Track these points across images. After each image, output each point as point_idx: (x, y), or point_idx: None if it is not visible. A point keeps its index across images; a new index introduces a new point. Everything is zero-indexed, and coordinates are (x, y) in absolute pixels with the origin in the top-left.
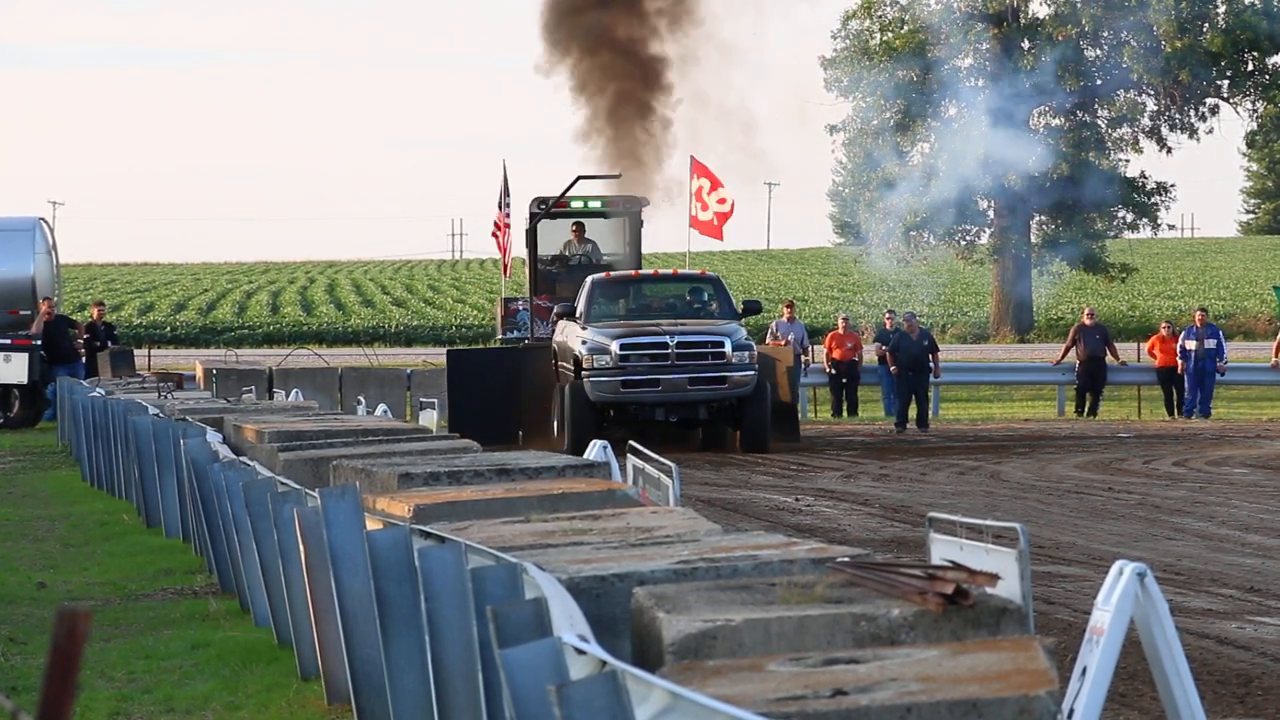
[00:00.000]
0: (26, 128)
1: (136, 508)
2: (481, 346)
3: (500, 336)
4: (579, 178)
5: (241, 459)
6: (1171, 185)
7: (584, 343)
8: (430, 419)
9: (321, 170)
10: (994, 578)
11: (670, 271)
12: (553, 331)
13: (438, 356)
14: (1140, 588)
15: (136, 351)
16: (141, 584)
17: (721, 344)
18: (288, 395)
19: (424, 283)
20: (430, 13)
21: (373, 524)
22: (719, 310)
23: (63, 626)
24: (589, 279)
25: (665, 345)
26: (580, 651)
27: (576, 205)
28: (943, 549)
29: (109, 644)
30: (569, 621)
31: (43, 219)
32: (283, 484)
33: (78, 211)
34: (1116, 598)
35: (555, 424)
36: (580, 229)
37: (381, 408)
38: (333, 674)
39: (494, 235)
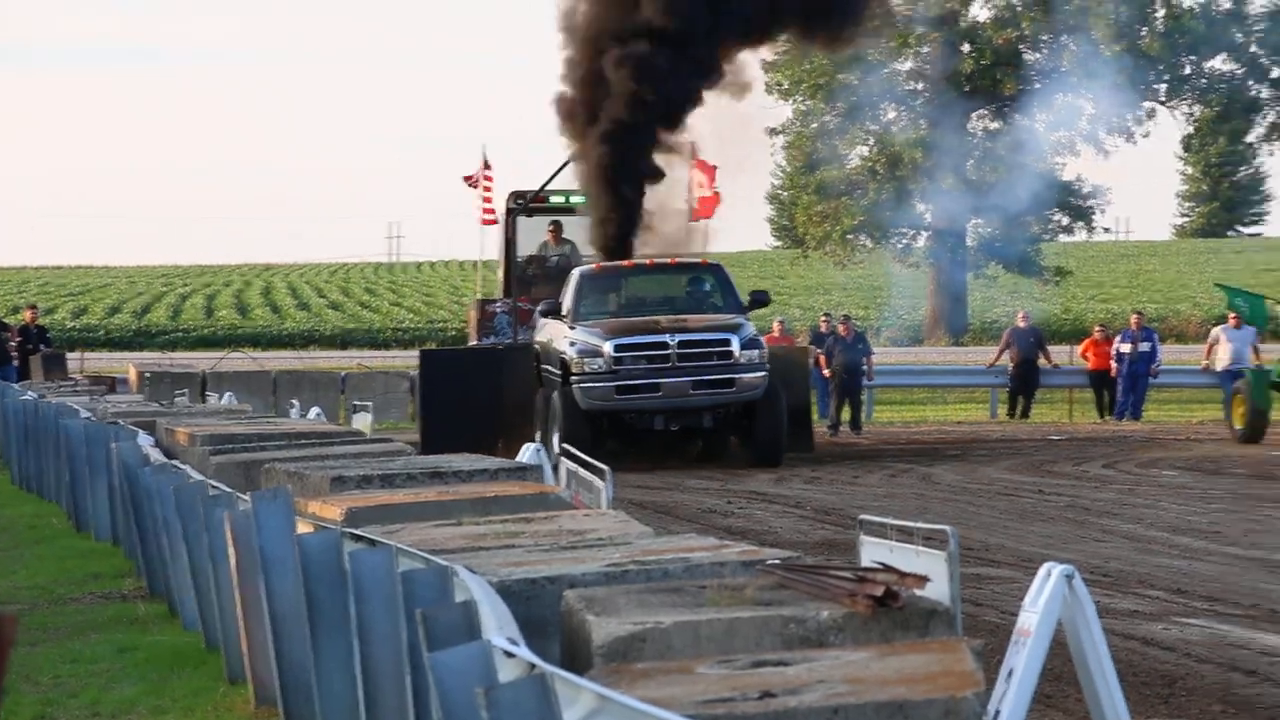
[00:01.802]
0: None
1: (67, 511)
2: (456, 347)
3: (476, 342)
4: (569, 160)
5: (173, 462)
6: (1108, 189)
7: (572, 344)
8: (364, 422)
9: (257, 173)
10: (923, 580)
11: (668, 260)
12: (533, 332)
13: (372, 359)
14: (1068, 589)
15: (70, 355)
16: (70, 588)
17: (728, 342)
18: (221, 398)
19: (360, 285)
20: (364, 12)
21: (304, 527)
22: (722, 303)
23: None
24: (576, 271)
25: (665, 345)
26: (509, 654)
27: (556, 201)
28: (873, 551)
29: (36, 648)
30: (498, 624)
31: None
32: (214, 487)
33: (9, 214)
34: (1044, 599)
35: (539, 434)
36: (558, 228)
37: (315, 411)
38: (261, 677)
39: (484, 219)
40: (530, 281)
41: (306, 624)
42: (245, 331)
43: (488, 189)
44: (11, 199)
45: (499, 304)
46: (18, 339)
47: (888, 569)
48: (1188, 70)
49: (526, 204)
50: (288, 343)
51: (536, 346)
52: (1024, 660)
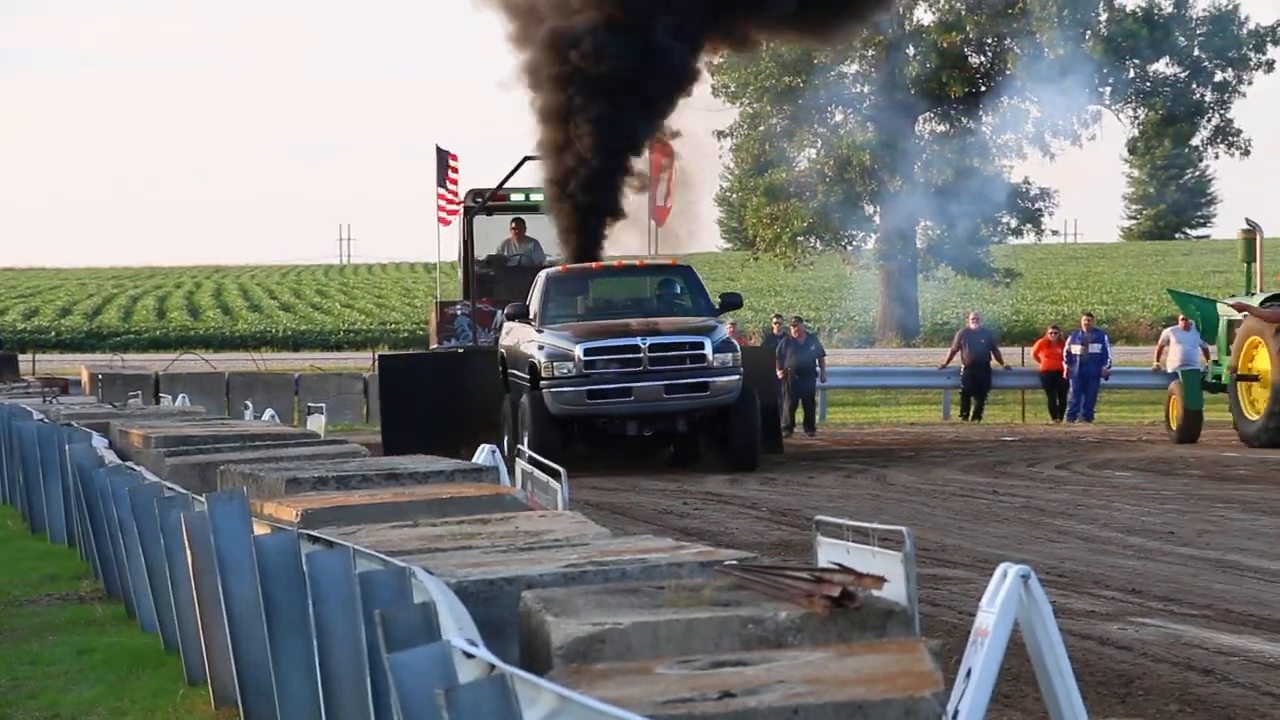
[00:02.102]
0: None
1: (21, 513)
2: (414, 352)
3: (436, 346)
4: (526, 158)
5: (128, 464)
6: (1055, 191)
7: (541, 348)
8: (318, 424)
9: (208, 175)
10: (880, 580)
11: (636, 262)
12: (497, 336)
13: (325, 361)
14: (1024, 590)
15: (21, 356)
16: (26, 590)
17: (701, 345)
18: (174, 400)
19: (311, 288)
20: (314, 16)
21: (260, 529)
22: (692, 305)
23: None
24: (542, 273)
25: (636, 348)
26: (469, 655)
27: (517, 199)
28: (829, 552)
29: None
30: (457, 625)
31: None
32: (169, 489)
33: None
34: (1001, 600)
35: (506, 439)
36: (520, 226)
37: (269, 412)
38: (220, 678)
39: (441, 218)
40: (491, 282)
41: (264, 625)
42: (197, 333)
43: (453, 184)
44: None
45: (459, 306)
46: None
47: (844, 570)
48: (1132, 74)
49: (485, 203)
50: (240, 344)
51: (502, 350)
52: (982, 660)
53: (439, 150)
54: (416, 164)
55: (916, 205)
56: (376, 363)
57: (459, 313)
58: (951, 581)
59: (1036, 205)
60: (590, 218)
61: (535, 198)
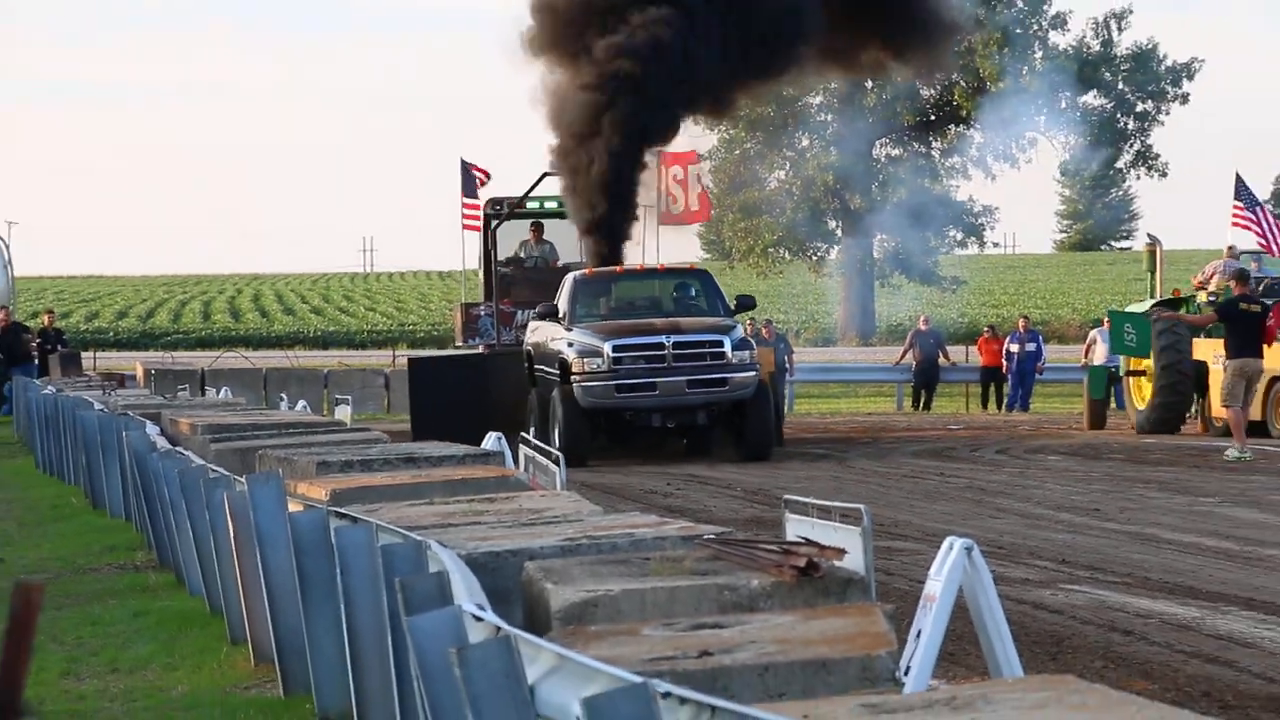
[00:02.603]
0: None
1: (84, 492)
2: (441, 353)
3: (461, 344)
4: (545, 174)
5: (177, 449)
6: (995, 208)
7: (571, 345)
8: (344, 413)
9: (247, 192)
10: (841, 552)
11: (657, 266)
12: (518, 335)
13: (350, 358)
14: (967, 560)
15: (83, 354)
16: (89, 559)
17: (721, 343)
18: (218, 393)
19: (339, 293)
20: (333, 53)
21: (294, 506)
22: (708, 307)
23: (19, 598)
24: (569, 276)
25: (661, 346)
26: (478, 619)
27: (533, 206)
28: (796, 527)
29: (60, 612)
30: (468, 592)
31: None
32: (214, 471)
33: (31, 230)
34: (947, 569)
35: (532, 432)
36: (539, 229)
37: (301, 403)
38: (258, 638)
39: (468, 225)
40: (510, 282)
41: (298, 592)
42: (238, 333)
43: (478, 195)
44: (35, 215)
45: (482, 307)
46: (38, 340)
47: (809, 543)
48: (1064, 105)
49: (510, 212)
50: (276, 343)
51: (528, 348)
52: (930, 622)
53: (463, 164)
54: (430, 181)
55: (874, 220)
56: (407, 363)
57: (482, 313)
58: (903, 553)
59: (979, 221)
60: (612, 224)
61: (549, 205)
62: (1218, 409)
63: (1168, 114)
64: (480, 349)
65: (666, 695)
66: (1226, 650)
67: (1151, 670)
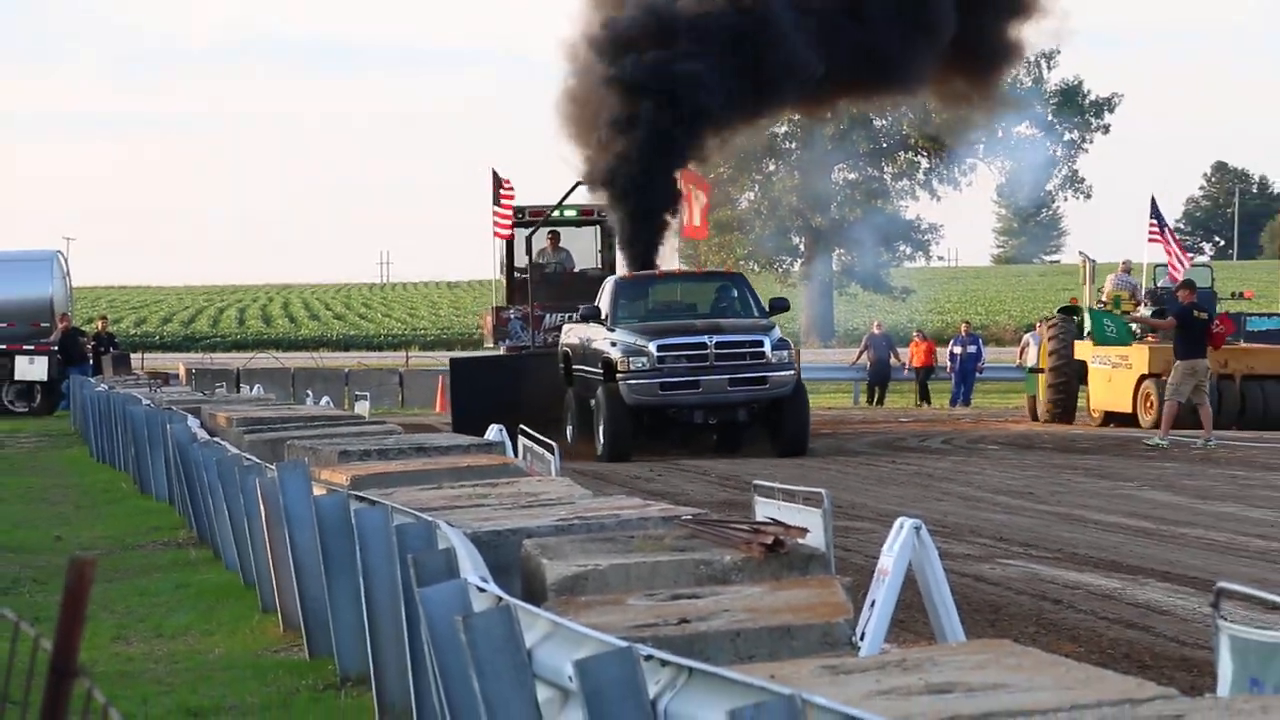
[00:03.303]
0: (48, 178)
1: (133, 478)
2: (480, 354)
3: (491, 345)
4: (578, 183)
5: (215, 440)
6: (940, 225)
7: (614, 344)
8: (363, 408)
9: (277, 211)
10: (804, 531)
11: (695, 269)
12: (546, 337)
13: (369, 359)
14: (916, 538)
15: (132, 355)
16: (137, 537)
17: (761, 343)
18: (251, 389)
19: (359, 301)
20: (347, 88)
21: (318, 490)
22: (743, 308)
23: (74, 571)
24: (610, 279)
25: (704, 346)
26: (481, 590)
27: (552, 215)
28: (764, 509)
29: (111, 584)
30: (473, 566)
31: (59, 251)
32: (247, 459)
33: (87, 245)
34: (898, 546)
35: (569, 430)
36: (556, 237)
37: (325, 399)
38: (287, 608)
39: (497, 233)
40: (530, 287)
41: (321, 566)
42: (269, 337)
43: (507, 203)
44: (90, 233)
45: (512, 310)
46: (92, 343)
47: (776, 523)
48: (1000, 134)
49: (544, 220)
50: (302, 346)
51: (565, 349)
52: (883, 593)
53: (495, 174)
54: (443, 199)
55: (833, 237)
56: (449, 363)
57: (512, 316)
58: (859, 532)
59: (926, 237)
60: (650, 230)
61: (568, 214)
62: (1095, 403)
63: (1091, 142)
64: (503, 351)
65: (649, 658)
66: (1145, 617)
67: (1078, 635)
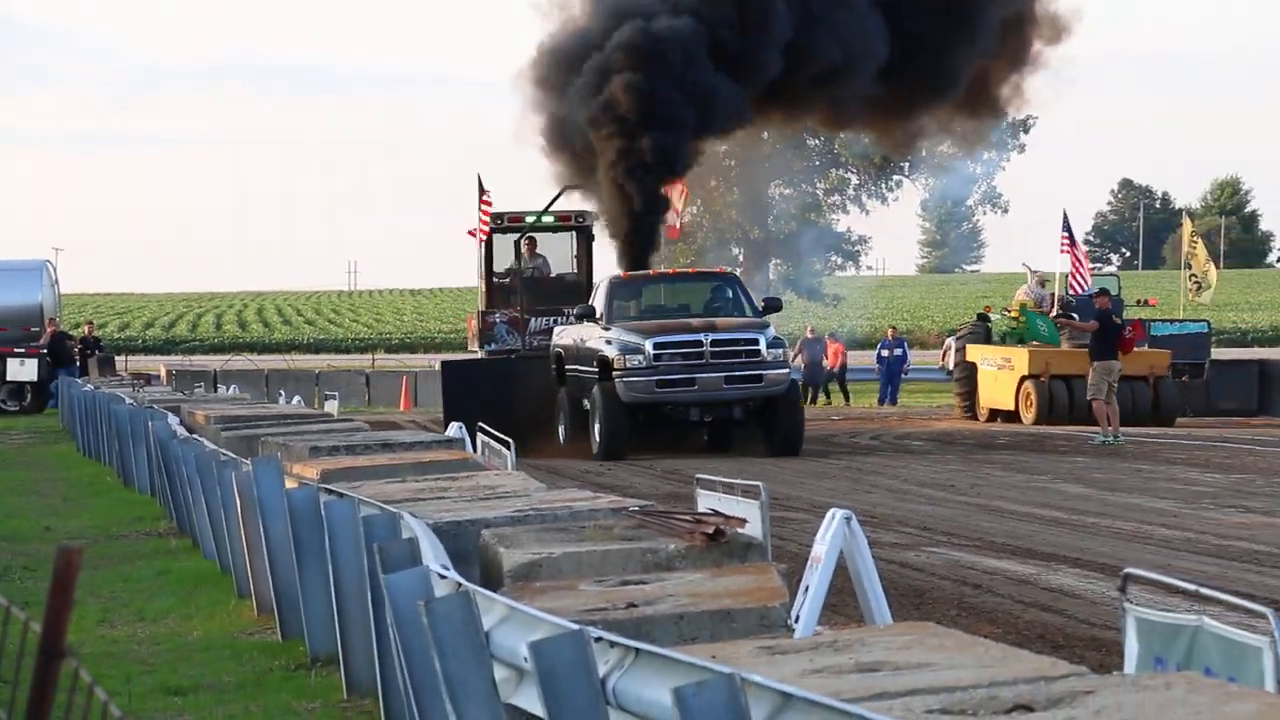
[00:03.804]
0: (36, 193)
1: (116, 472)
2: (472, 356)
3: (476, 349)
4: (566, 187)
5: (194, 436)
6: (869, 237)
7: (610, 343)
8: (333, 407)
9: (252, 223)
10: (743, 521)
11: (689, 269)
12: (529, 342)
13: (337, 361)
14: (847, 528)
15: (116, 358)
16: (120, 527)
17: (756, 342)
18: (228, 389)
19: (328, 307)
20: (318, 112)
21: (290, 484)
22: (736, 308)
23: (61, 559)
24: (605, 279)
25: (700, 344)
26: (442, 576)
27: (529, 220)
28: (706, 500)
29: (96, 571)
30: (434, 554)
31: (48, 261)
32: (224, 455)
33: (74, 255)
34: (830, 535)
35: (562, 429)
36: (532, 243)
37: (296, 398)
38: (261, 593)
39: (480, 238)
40: (508, 292)
41: (293, 555)
42: (244, 340)
43: (486, 210)
44: (76, 243)
45: (498, 315)
46: (79, 346)
47: (717, 514)
48: (924, 153)
49: (530, 225)
50: (275, 349)
51: (558, 349)
52: (816, 579)
53: (479, 180)
54: (407, 212)
55: (769, 247)
56: (441, 365)
57: (498, 320)
58: (794, 522)
59: (855, 248)
60: (644, 230)
61: (545, 220)
62: (984, 401)
63: (1009, 161)
64: (482, 355)
65: (599, 640)
66: (1058, 600)
67: (997, 617)
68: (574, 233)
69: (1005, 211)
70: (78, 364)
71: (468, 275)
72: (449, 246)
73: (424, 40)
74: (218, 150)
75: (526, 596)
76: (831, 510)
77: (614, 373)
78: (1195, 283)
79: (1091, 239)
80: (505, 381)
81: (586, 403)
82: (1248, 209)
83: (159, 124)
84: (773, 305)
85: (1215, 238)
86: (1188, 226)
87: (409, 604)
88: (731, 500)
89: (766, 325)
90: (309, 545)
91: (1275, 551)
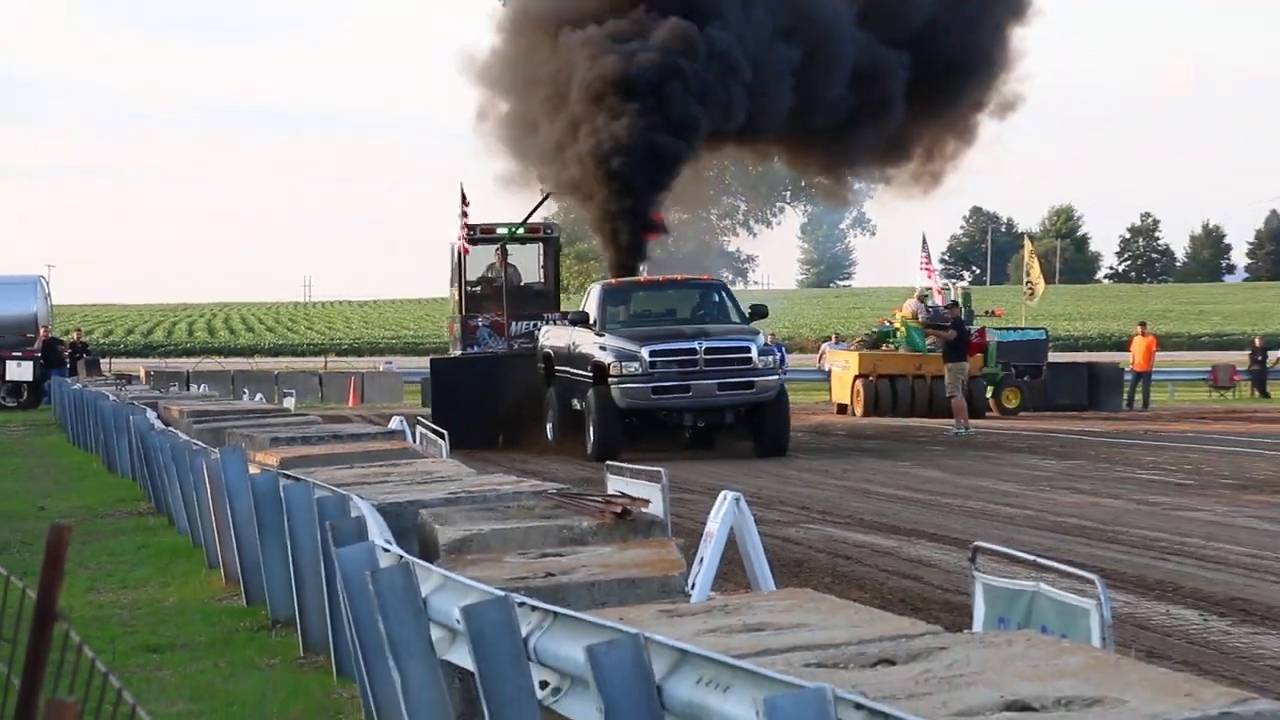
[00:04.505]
0: (32, 218)
1: (102, 459)
2: (459, 356)
3: (458, 351)
4: (548, 194)
5: (170, 428)
6: (755, 256)
7: (605, 349)
8: (290, 403)
9: (218, 242)
10: (646, 501)
11: (678, 277)
12: (512, 344)
13: (295, 363)
14: (737, 508)
15: (102, 360)
16: (106, 507)
17: (748, 349)
18: (199, 388)
19: (286, 316)
20: (276, 138)
21: (254, 469)
22: (724, 315)
23: (53, 535)
24: (596, 285)
25: (694, 351)
26: (386, 550)
27: (501, 232)
28: (615, 484)
29: (85, 545)
30: (379, 531)
31: (42, 276)
32: (195, 444)
33: (64, 271)
34: (721, 513)
35: (550, 427)
36: (504, 253)
37: (259, 396)
38: (228, 564)
39: (462, 247)
40: (481, 299)
41: (256, 531)
42: (214, 345)
43: (465, 222)
44: (67, 260)
45: (481, 319)
46: (69, 350)
47: (624, 495)
48: (804, 183)
49: (509, 236)
50: (241, 352)
51: (547, 350)
52: (709, 552)
53: (461, 191)
54: (356, 233)
55: (667, 265)
56: (430, 363)
57: (480, 324)
58: (691, 502)
59: (744, 265)
60: (633, 240)
61: (516, 231)
62: (834, 397)
63: (877, 189)
64: (456, 354)
65: (521, 604)
66: (916, 569)
67: (865, 584)
68: (541, 243)
69: (873, 234)
70: (68, 366)
71: (409, 288)
72: (399, 260)
73: (370, 78)
74: (190, 179)
75: (459, 567)
76: (723, 492)
77: (610, 379)
78: (1030, 289)
79: (946, 258)
80: (491, 380)
81: (577, 403)
82: (1080, 232)
83: (140, 158)
84: (759, 312)
85: (1052, 257)
86: (1028, 247)
87: (357, 574)
88: (637, 484)
89: (756, 333)
90: (270, 523)
91: (1101, 527)
